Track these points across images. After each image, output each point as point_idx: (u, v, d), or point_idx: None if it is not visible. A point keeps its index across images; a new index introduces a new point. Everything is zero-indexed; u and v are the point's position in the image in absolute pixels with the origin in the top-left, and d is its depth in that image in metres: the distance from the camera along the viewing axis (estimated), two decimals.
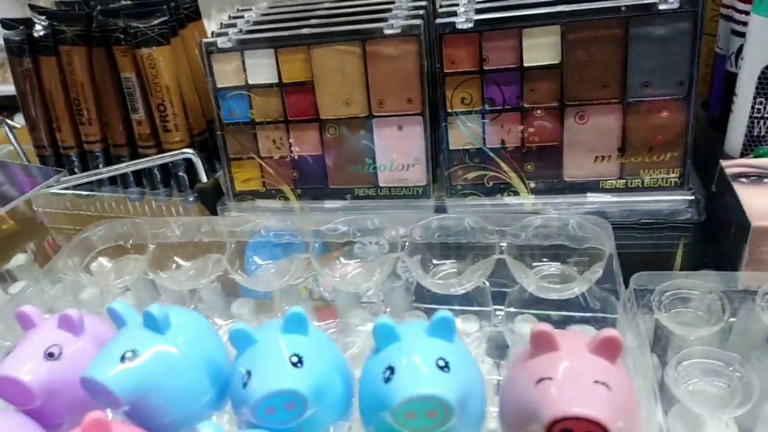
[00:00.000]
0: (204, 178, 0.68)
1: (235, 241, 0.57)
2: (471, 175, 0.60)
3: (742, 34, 0.52)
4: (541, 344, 0.32)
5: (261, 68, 0.61)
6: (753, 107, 0.50)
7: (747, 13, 0.51)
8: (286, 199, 0.66)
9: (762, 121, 0.50)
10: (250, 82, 0.62)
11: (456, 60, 0.57)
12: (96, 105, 0.69)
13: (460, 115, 0.58)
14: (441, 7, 0.60)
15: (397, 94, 0.60)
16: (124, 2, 0.67)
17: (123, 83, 0.67)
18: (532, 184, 0.59)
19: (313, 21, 0.62)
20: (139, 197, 0.72)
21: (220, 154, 0.65)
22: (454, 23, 0.55)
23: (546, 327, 0.32)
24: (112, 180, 0.74)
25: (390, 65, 0.59)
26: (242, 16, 0.67)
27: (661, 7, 0.51)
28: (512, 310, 0.49)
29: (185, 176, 0.70)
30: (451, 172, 0.61)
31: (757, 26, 0.47)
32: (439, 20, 0.56)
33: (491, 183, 0.60)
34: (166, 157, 0.67)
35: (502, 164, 0.59)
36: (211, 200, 0.68)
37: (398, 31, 0.57)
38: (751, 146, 0.52)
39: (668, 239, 0.57)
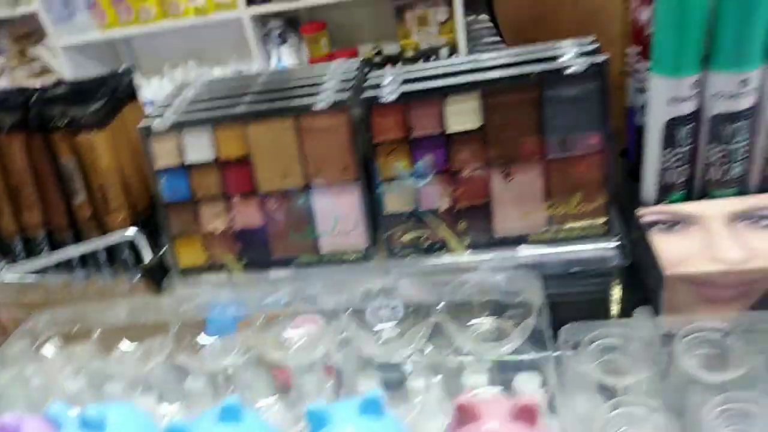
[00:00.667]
0: (148, 258, 0.68)
1: (181, 320, 0.58)
2: (408, 237, 0.62)
3: (645, 90, 0.56)
4: (464, 415, 0.34)
5: (199, 147, 0.63)
6: (660, 159, 0.53)
7: (647, 70, 0.55)
8: (231, 271, 0.67)
9: (671, 171, 0.54)
10: (189, 160, 0.64)
11: (385, 129, 0.59)
12: (36, 191, 0.70)
13: (393, 181, 0.61)
14: (368, 80, 0.63)
15: (332, 163, 0.62)
16: (60, 89, 0.68)
17: (62, 168, 0.67)
18: (467, 241, 0.62)
19: (248, 98, 0.64)
20: (85, 280, 0.72)
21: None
22: (379, 96, 0.58)
23: (467, 399, 0.34)
24: (57, 264, 0.73)
25: (323, 137, 0.61)
26: (179, 95, 0.69)
27: (569, 71, 0.54)
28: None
29: (130, 256, 0.71)
30: (390, 234, 0.63)
31: (656, 84, 0.51)
32: (366, 94, 0.59)
33: (428, 243, 0.62)
34: (108, 240, 0.68)
35: (437, 224, 0.61)
36: (158, 278, 0.68)
37: (328, 106, 0.60)
38: (664, 194, 0.55)
39: (599, 286, 0.60)
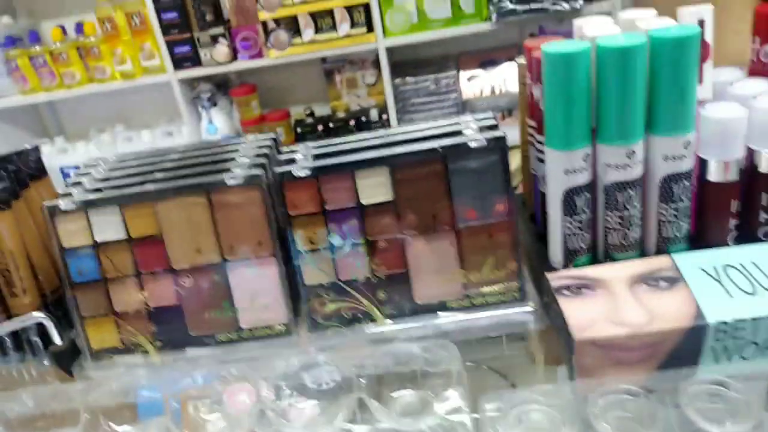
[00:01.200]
0: (58, 341, 0.65)
1: (94, 406, 0.55)
2: (329, 308, 0.62)
3: (543, 161, 0.59)
4: None
5: (108, 226, 0.62)
6: (563, 226, 0.56)
7: (543, 143, 0.58)
8: (146, 352, 0.64)
9: (574, 237, 0.56)
10: (98, 240, 0.62)
11: (298, 204, 0.60)
12: None
13: (310, 253, 0.61)
14: (281, 154, 0.63)
15: (247, 238, 0.61)
16: None
17: None
18: (387, 311, 0.62)
19: (158, 175, 0.63)
20: None
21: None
22: (291, 171, 0.59)
23: None
24: None
25: (237, 213, 0.61)
26: (89, 173, 0.67)
27: (472, 145, 0.57)
28: None
29: (38, 340, 0.67)
30: (311, 307, 0.62)
31: (551, 156, 0.54)
32: (278, 169, 0.59)
33: (350, 314, 0.62)
34: (14, 324, 0.64)
35: (357, 295, 0.62)
36: (68, 362, 0.65)
37: (241, 181, 0.60)
38: (570, 258, 0.57)
39: (518, 350, 0.61)
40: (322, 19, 2.22)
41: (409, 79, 2.38)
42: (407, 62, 2.42)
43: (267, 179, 0.61)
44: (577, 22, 0.57)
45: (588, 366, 0.50)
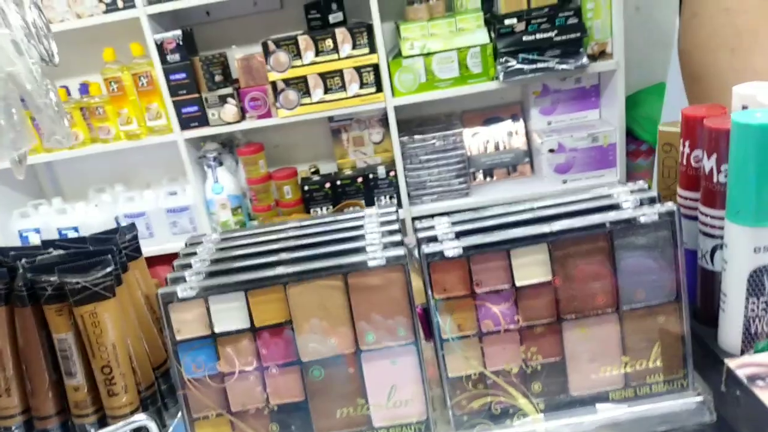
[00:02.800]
0: None
1: None
2: (477, 404, 0.56)
3: (713, 236, 0.55)
4: None
5: (229, 314, 0.55)
6: (746, 307, 0.51)
7: (714, 217, 0.54)
8: None
9: (757, 320, 0.52)
10: (217, 330, 0.55)
11: (447, 286, 0.54)
12: (17, 372, 0.58)
13: (457, 341, 0.55)
14: (417, 231, 0.58)
15: (386, 324, 0.55)
16: (54, 253, 0.58)
17: (57, 345, 0.56)
18: (541, 405, 0.56)
19: (284, 255, 0.57)
20: None
21: (169, 406, 0.56)
22: (442, 251, 0.54)
23: None
24: None
25: (376, 296, 0.55)
26: (195, 252, 0.61)
27: (642, 220, 0.53)
28: None
29: None
30: (455, 402, 0.56)
31: (737, 233, 0.50)
32: (426, 249, 0.54)
33: (499, 409, 0.56)
34: (116, 428, 0.56)
35: (507, 387, 0.56)
36: None
37: (383, 262, 0.54)
38: (749, 343, 0.53)
39: None
40: (332, 79, 2.21)
41: (416, 137, 2.38)
42: (412, 120, 2.42)
43: (408, 259, 0.55)
44: (741, 90, 0.55)
45: None
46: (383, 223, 0.61)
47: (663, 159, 0.62)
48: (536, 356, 0.55)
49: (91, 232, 0.63)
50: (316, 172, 2.43)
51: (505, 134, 2.49)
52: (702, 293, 0.58)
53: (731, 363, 0.52)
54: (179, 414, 0.57)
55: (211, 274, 0.56)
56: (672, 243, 0.53)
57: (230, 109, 2.16)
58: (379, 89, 2.23)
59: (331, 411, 0.56)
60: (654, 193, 0.57)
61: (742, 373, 0.50)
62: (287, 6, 2.27)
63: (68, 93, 2.18)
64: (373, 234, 0.59)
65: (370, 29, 2.14)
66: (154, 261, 1.89)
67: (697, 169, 0.56)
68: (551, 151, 2.37)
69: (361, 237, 0.59)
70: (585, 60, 2.23)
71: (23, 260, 0.56)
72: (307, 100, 2.22)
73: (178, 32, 2.05)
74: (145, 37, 2.01)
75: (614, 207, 0.56)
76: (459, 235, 0.56)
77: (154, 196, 2.24)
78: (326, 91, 2.22)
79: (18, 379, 0.58)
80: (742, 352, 0.53)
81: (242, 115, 2.20)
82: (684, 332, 0.55)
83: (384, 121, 2.32)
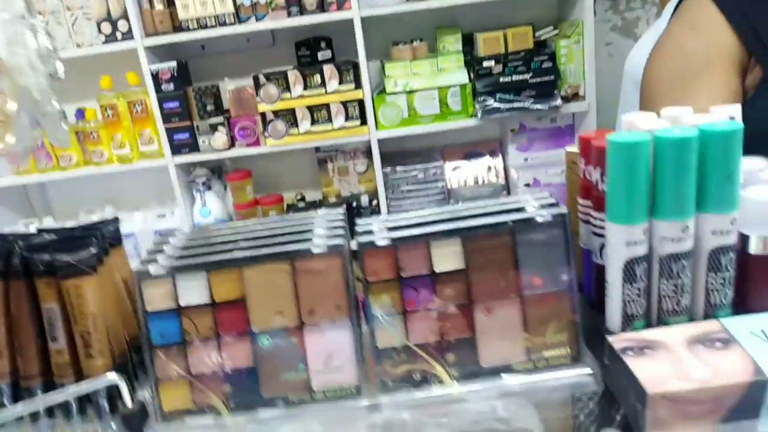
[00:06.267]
0: (130, 404, 0.66)
1: None
2: (400, 371, 0.66)
3: (600, 235, 0.66)
4: None
5: (192, 290, 0.65)
6: (623, 293, 0.62)
7: (600, 219, 0.65)
8: (218, 414, 0.66)
9: (632, 303, 0.62)
10: (182, 304, 0.65)
11: (377, 271, 0.65)
12: (8, 338, 0.67)
13: (385, 317, 0.65)
14: (357, 227, 0.69)
15: (326, 302, 0.65)
16: (46, 236, 0.69)
17: (45, 314, 0.66)
18: (455, 373, 0.66)
19: (243, 244, 0.68)
20: (51, 431, 0.68)
21: (138, 375, 0.65)
22: (373, 241, 0.64)
23: None
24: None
25: (318, 278, 0.65)
26: (167, 242, 0.71)
27: (539, 220, 0.64)
28: None
29: (105, 403, 0.68)
30: (382, 369, 0.66)
31: (614, 230, 0.61)
32: (360, 239, 0.65)
33: (419, 376, 0.66)
34: (90, 385, 0.65)
35: (427, 358, 0.65)
36: (138, 425, 0.66)
37: (324, 249, 0.65)
38: (627, 323, 0.63)
39: (576, 411, 0.65)
40: (319, 112, 2.34)
41: (399, 168, 2.50)
42: (396, 152, 2.54)
43: (346, 248, 0.66)
44: (626, 117, 0.66)
45: (660, 420, 0.55)
46: (330, 222, 0.72)
47: (569, 175, 0.74)
48: (451, 332, 0.65)
49: None
50: (302, 199, 2.54)
51: (485, 169, 2.62)
52: (596, 284, 0.68)
53: (611, 339, 0.62)
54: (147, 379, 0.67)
55: (179, 258, 0.67)
56: (564, 240, 0.64)
57: (220, 137, 2.28)
58: (364, 122, 2.35)
59: (276, 375, 0.66)
60: (554, 200, 0.68)
61: (617, 347, 0.60)
62: (279, 43, 2.41)
63: (65, 117, 2.30)
64: (320, 230, 0.69)
65: (356, 66, 2.27)
66: None
67: (589, 181, 0.67)
68: (527, 185, 2.49)
69: (309, 231, 0.69)
70: (558, 101, 2.37)
71: (20, 242, 0.66)
72: (294, 131, 2.34)
73: (173, 63, 2.18)
74: (142, 67, 2.13)
75: (520, 210, 0.66)
76: (391, 230, 0.67)
77: (143, 218, 2.34)
78: (313, 122, 2.34)
79: (8, 344, 0.67)
80: (622, 330, 0.63)
81: (232, 143, 2.32)
82: (576, 315, 0.65)
83: (368, 152, 2.44)
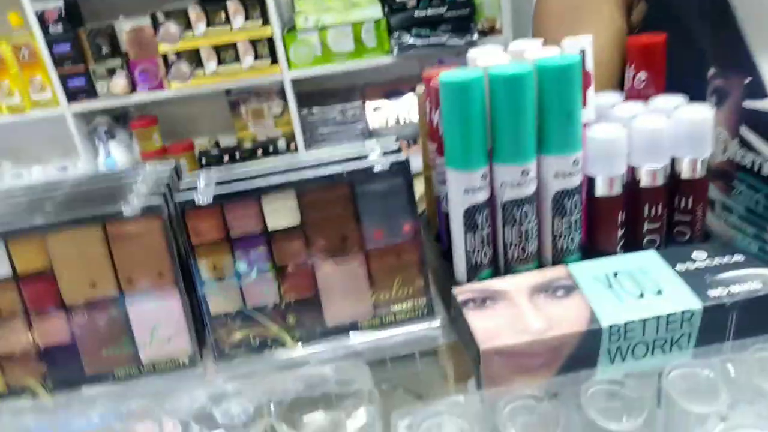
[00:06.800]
0: None
1: None
2: (237, 337, 0.61)
3: (445, 182, 0.61)
4: None
5: None
6: (465, 242, 0.57)
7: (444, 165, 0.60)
8: (35, 395, 0.60)
9: (476, 253, 0.58)
10: None
11: (201, 232, 0.58)
12: None
13: (216, 282, 0.59)
14: (182, 183, 0.62)
15: (147, 270, 0.59)
16: None
17: None
18: (298, 335, 0.61)
19: (48, 207, 0.60)
20: None
21: None
22: (193, 199, 0.57)
23: None
24: None
25: (135, 244, 0.58)
26: None
27: (376, 169, 0.58)
28: None
29: None
30: (216, 336, 0.60)
31: (451, 177, 0.56)
32: (179, 197, 0.58)
33: (257, 341, 0.61)
34: None
35: (265, 321, 0.60)
36: None
37: (138, 211, 0.58)
38: (473, 273, 0.59)
39: (427, 366, 0.62)
40: (225, 52, 2.20)
41: (315, 109, 2.40)
42: (313, 93, 2.44)
43: (168, 208, 0.59)
44: (471, 54, 0.60)
45: (494, 375, 0.52)
46: (158, 177, 0.65)
47: (420, 116, 0.68)
48: (291, 293, 0.60)
49: None
50: (216, 144, 2.43)
51: (406, 108, 2.55)
52: (447, 233, 0.64)
53: (455, 291, 0.58)
54: None
55: None
56: (405, 189, 0.59)
57: (119, 82, 2.13)
58: (275, 62, 2.23)
59: (98, 351, 0.60)
60: (397, 147, 0.62)
61: (460, 299, 0.56)
62: None
63: None
64: (141, 187, 0.62)
65: (262, 1, 2.14)
66: None
67: (433, 124, 0.62)
68: None
69: (130, 190, 0.62)
70: (475, 36, 2.30)
71: None
72: (200, 72, 2.21)
73: (60, 3, 2.00)
74: (23, 6, 1.95)
75: (362, 158, 0.61)
76: (219, 185, 0.60)
77: (43, 172, 2.20)
78: (220, 63, 2.21)
79: None
80: (469, 281, 0.60)
81: (133, 87, 2.17)
82: (424, 267, 0.61)
83: (283, 94, 2.33)
